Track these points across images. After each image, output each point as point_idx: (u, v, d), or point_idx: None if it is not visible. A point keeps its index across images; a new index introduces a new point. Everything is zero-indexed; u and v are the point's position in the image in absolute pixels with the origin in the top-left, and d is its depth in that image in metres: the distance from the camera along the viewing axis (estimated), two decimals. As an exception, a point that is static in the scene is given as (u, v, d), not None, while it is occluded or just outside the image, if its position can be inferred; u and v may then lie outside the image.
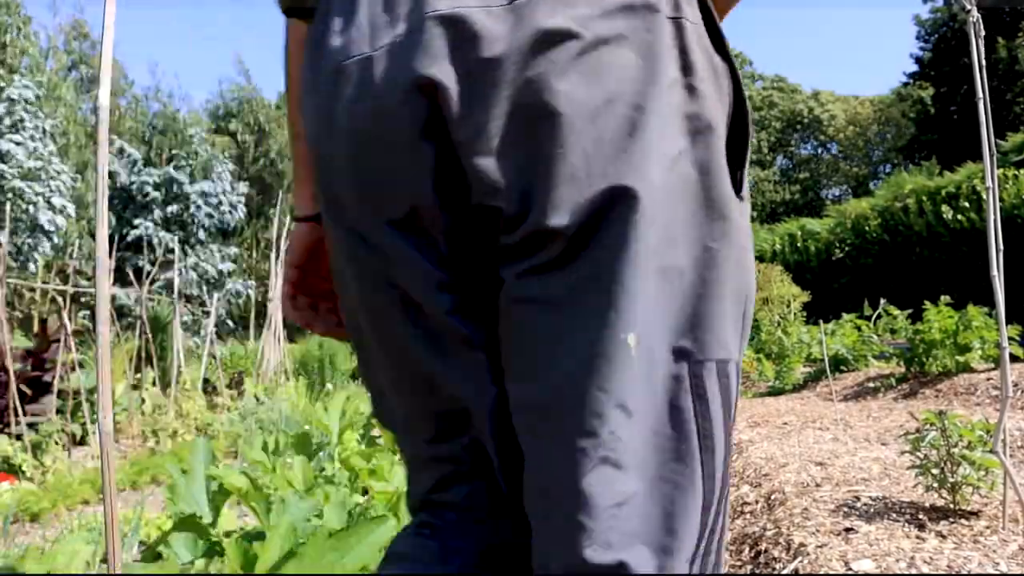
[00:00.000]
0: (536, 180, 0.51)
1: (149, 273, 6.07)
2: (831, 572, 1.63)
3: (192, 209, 16.09)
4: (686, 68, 0.54)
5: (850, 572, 1.61)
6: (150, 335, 5.67)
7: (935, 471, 1.94)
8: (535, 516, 0.53)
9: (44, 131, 10.16)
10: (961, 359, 4.36)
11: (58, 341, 4.84)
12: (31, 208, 9.25)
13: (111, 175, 14.11)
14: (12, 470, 3.64)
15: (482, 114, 0.51)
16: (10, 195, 9.05)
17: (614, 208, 0.50)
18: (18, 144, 9.32)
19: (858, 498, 2.17)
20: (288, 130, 0.81)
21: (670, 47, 0.53)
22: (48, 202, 9.60)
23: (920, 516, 1.91)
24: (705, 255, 0.53)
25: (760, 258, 12.50)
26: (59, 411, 4.51)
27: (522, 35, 0.51)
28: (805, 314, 8.50)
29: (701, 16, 0.57)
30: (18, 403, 3.92)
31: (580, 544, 0.48)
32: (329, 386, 7.45)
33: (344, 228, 0.59)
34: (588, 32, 0.51)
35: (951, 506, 1.94)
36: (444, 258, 0.56)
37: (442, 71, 0.51)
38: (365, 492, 2.37)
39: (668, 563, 0.50)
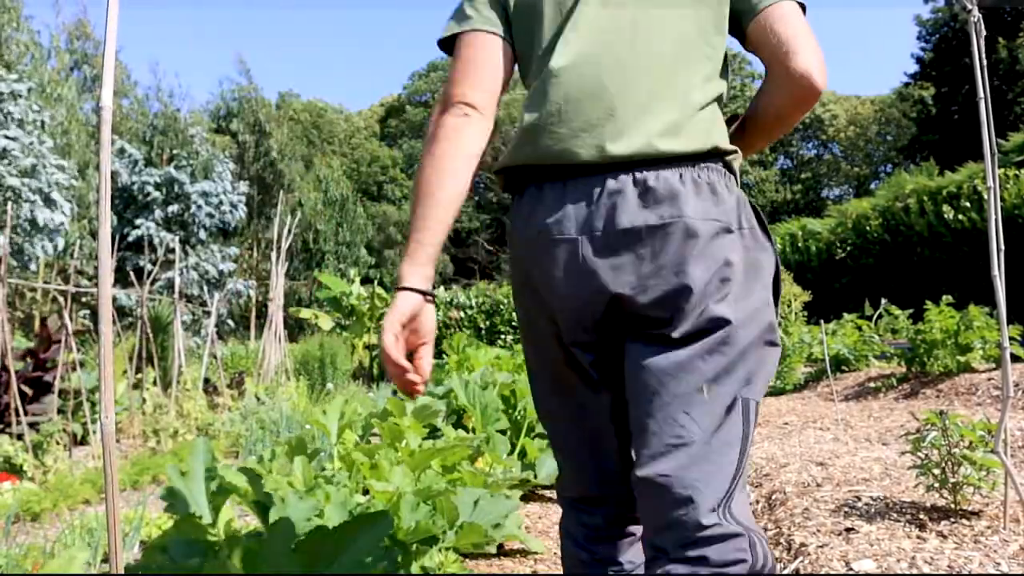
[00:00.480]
0: (679, 315, 0.93)
1: (150, 273, 6.07)
2: (832, 572, 1.63)
3: (193, 209, 16.06)
4: (758, 268, 0.99)
5: (851, 572, 1.60)
6: (151, 335, 5.67)
7: (936, 471, 1.94)
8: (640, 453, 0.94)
9: (42, 124, 10.12)
10: (962, 359, 4.35)
11: (59, 341, 4.85)
12: (28, 206, 9.23)
13: (112, 175, 14.08)
14: (13, 470, 3.64)
15: (653, 283, 0.94)
16: (8, 193, 9.03)
17: (716, 328, 0.93)
18: (13, 140, 9.29)
19: (859, 498, 2.17)
20: (422, 197, 1.00)
21: (740, 246, 0.96)
22: (46, 198, 9.57)
23: (921, 516, 1.91)
24: (760, 355, 0.95)
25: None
26: (60, 411, 4.51)
27: (667, 238, 0.93)
28: (806, 314, 8.50)
29: (754, 216, 1.01)
30: (19, 403, 3.92)
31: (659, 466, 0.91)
32: (330, 386, 7.46)
33: (551, 334, 1.04)
34: (704, 237, 0.93)
35: (952, 506, 1.94)
36: (594, 345, 1.02)
37: (624, 262, 0.95)
38: (366, 492, 2.37)
39: (712, 495, 0.87)
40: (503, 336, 9.37)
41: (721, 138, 0.98)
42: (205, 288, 15.06)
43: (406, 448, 2.72)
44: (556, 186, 0.98)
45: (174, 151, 16.52)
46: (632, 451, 0.95)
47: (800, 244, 12.69)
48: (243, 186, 17.47)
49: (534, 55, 1.06)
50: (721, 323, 0.91)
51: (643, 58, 0.98)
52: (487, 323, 9.62)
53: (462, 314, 9.78)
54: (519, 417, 3.93)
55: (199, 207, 16.02)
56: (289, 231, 7.57)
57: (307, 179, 24.95)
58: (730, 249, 0.94)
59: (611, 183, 0.95)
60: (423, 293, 1.00)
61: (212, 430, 5.07)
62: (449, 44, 1.09)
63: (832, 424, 3.84)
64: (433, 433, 3.44)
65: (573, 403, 1.07)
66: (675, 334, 0.91)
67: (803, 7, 1.00)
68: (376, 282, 14.75)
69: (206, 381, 6.52)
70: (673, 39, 0.99)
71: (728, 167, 0.99)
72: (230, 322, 16.47)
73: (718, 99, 1.01)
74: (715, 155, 0.97)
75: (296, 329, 14.96)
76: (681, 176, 0.94)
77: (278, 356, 6.99)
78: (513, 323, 9.53)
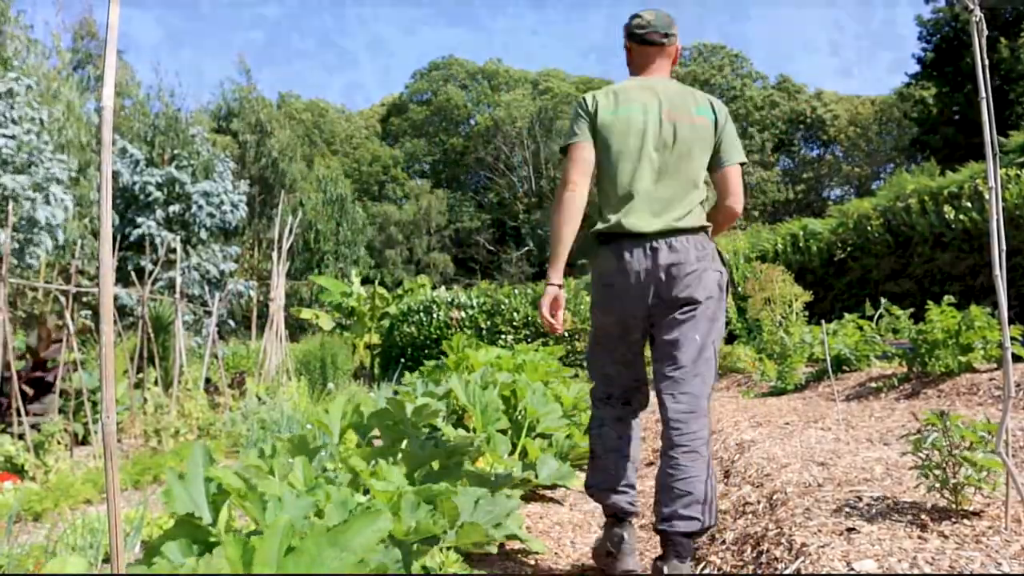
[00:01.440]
0: (686, 296, 2.10)
1: (151, 273, 6.08)
2: (833, 572, 1.63)
3: (194, 209, 16.06)
4: (721, 282, 2.14)
5: (852, 572, 1.60)
6: (152, 335, 5.67)
7: (937, 472, 1.94)
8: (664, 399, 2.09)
9: (41, 122, 10.08)
10: (963, 359, 4.35)
11: (60, 341, 4.85)
12: (28, 204, 9.21)
13: (114, 175, 14.06)
14: (15, 470, 3.65)
15: (673, 291, 2.08)
16: (6, 191, 9.01)
17: (701, 304, 2.09)
18: (11, 137, 9.25)
19: (860, 498, 2.17)
20: (557, 236, 2.12)
21: (715, 277, 2.12)
22: (45, 195, 9.55)
23: (922, 516, 1.90)
24: (718, 319, 2.11)
25: (762, 258, 12.48)
26: (61, 411, 4.52)
27: (676, 270, 2.06)
28: (807, 314, 8.49)
29: (719, 256, 2.16)
30: (20, 403, 3.92)
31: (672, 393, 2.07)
32: (331, 386, 7.46)
33: (617, 314, 2.17)
34: (698, 268, 2.07)
35: (953, 506, 1.93)
36: (639, 321, 2.17)
37: (660, 281, 2.08)
38: (368, 492, 2.37)
39: (705, 400, 2.06)
40: (504, 336, 9.37)
41: (703, 221, 2.14)
42: (206, 288, 15.05)
43: (407, 448, 2.72)
44: (629, 242, 2.10)
45: (175, 151, 16.52)
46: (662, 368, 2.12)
47: (801, 244, 12.68)
48: (244, 186, 17.46)
49: (613, 170, 2.15)
50: (702, 305, 2.09)
51: (672, 184, 2.12)
52: (488, 323, 9.62)
53: (463, 314, 9.78)
54: (519, 417, 3.93)
55: (200, 207, 16.02)
56: (290, 231, 7.58)
57: (308, 179, 24.97)
58: (709, 276, 2.10)
59: (654, 242, 2.08)
60: (559, 286, 2.15)
61: (213, 430, 5.07)
62: (565, 148, 2.22)
63: (833, 424, 3.83)
64: (433, 433, 3.44)
65: (619, 348, 2.25)
66: (681, 319, 2.09)
67: (743, 164, 2.22)
68: (377, 282, 14.73)
69: (207, 381, 6.52)
70: (686, 174, 2.13)
71: (706, 233, 2.15)
72: (231, 322, 16.48)
73: (703, 201, 2.17)
74: (701, 229, 2.13)
75: (297, 329, 14.97)
76: (686, 240, 2.09)
77: (279, 356, 6.99)
78: (514, 323, 9.54)
